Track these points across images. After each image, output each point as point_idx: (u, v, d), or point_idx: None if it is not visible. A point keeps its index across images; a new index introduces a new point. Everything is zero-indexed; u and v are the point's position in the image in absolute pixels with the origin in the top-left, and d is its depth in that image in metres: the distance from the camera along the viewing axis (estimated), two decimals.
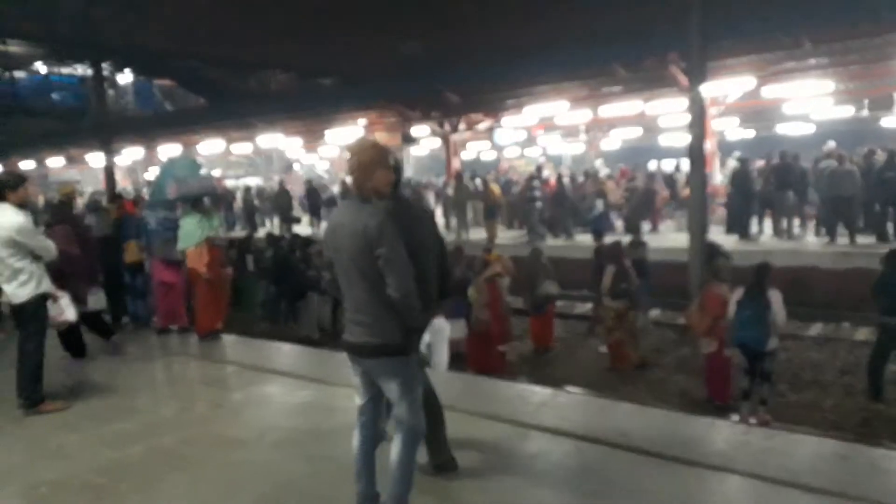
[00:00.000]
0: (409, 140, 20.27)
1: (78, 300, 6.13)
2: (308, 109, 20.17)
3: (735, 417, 6.35)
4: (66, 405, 5.33)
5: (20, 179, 5.21)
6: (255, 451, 4.43)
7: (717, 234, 12.88)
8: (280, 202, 21.16)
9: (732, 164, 14.60)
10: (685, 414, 5.41)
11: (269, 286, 11.98)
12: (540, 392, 5.54)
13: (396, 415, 3.29)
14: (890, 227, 12.14)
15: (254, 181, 28.54)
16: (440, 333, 6.13)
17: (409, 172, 24.59)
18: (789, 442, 4.46)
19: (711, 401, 7.20)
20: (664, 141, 25.22)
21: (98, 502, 3.81)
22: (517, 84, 15.87)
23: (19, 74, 23.92)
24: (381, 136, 25.23)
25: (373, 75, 17.73)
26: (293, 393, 5.58)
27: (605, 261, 9.08)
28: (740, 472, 3.89)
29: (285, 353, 7.24)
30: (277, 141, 24.71)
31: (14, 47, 21.74)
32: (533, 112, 17.58)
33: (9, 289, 5.09)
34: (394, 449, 3.28)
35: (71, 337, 6.68)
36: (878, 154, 12.71)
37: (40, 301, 5.20)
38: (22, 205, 5.17)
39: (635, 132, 25.10)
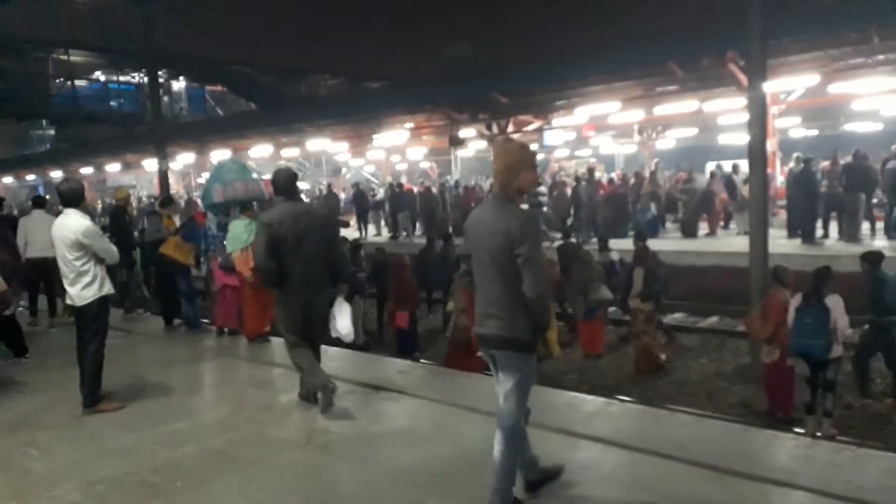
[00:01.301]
0: (456, 143, 20.22)
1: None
2: (356, 114, 20.36)
3: (799, 430, 6.08)
4: (123, 405, 5.46)
5: (81, 186, 5.41)
6: (304, 454, 4.45)
7: (779, 238, 12.43)
8: (328, 205, 21.39)
9: (791, 164, 14.07)
10: (745, 426, 5.21)
11: None
12: (591, 401, 5.41)
13: (503, 409, 3.42)
14: None
15: (303, 185, 28.96)
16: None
17: (455, 175, 24.57)
18: (857, 457, 4.22)
19: (773, 412, 6.93)
20: (723, 140, 24.53)
21: (153, 500, 3.87)
22: (568, 85, 15.64)
23: (80, 83, 24.93)
24: (428, 139, 25.39)
25: (420, 78, 17.80)
26: (340, 396, 5.56)
27: (635, 263, 9.00)
28: (805, 487, 3.71)
29: (332, 356, 7.24)
30: (325, 145, 24.95)
31: (75, 57, 22.75)
32: (584, 112, 17.30)
33: (73, 291, 5.24)
34: (496, 447, 3.44)
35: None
36: None
37: (103, 303, 5.34)
38: (84, 210, 5.35)
39: (691, 132, 24.49)
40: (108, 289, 5.37)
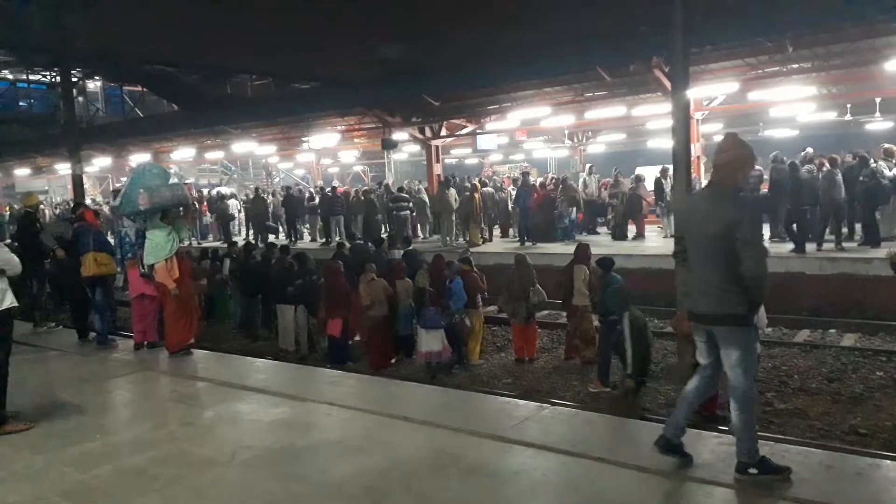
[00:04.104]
0: (389, 146, 20.12)
1: None
2: (284, 115, 19.96)
3: (723, 428, 6.23)
4: (30, 425, 5.14)
5: None
6: (228, 471, 4.27)
7: None
8: (256, 210, 20.87)
9: None
10: None
11: (244, 298, 11.77)
12: (524, 405, 5.41)
13: (731, 380, 3.75)
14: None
15: (227, 189, 28.16)
16: None
17: (389, 178, 24.45)
18: (775, 452, 4.35)
19: (700, 411, 7.08)
20: (652, 144, 25.28)
21: None
22: (499, 89, 15.79)
23: None
24: (360, 142, 25.18)
25: (352, 80, 17.61)
26: (267, 410, 5.41)
27: (575, 261, 9.15)
28: (727, 484, 3.79)
29: (259, 368, 7.06)
30: (252, 148, 24.37)
31: None
32: (516, 116, 17.50)
33: None
34: (733, 413, 3.81)
35: None
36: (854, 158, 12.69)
37: (4, 317, 5.00)
38: None
39: (621, 136, 25.16)
40: (11, 301, 5.04)
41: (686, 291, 4.00)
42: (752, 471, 3.77)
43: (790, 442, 5.59)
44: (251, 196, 22.33)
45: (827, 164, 11.86)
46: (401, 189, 19.40)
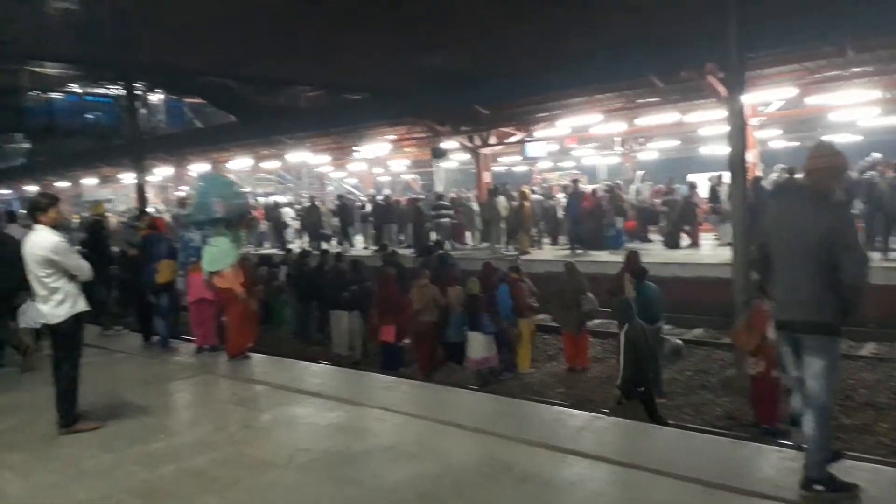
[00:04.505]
0: (438, 154, 20.21)
1: None
2: (337, 125, 20.28)
3: (785, 442, 6.06)
4: (100, 424, 5.32)
5: (52, 200, 5.28)
6: (285, 474, 4.36)
7: None
8: (310, 219, 21.26)
9: (775, 174, 14.18)
10: (731, 439, 5.19)
11: (299, 303, 11.99)
12: (578, 415, 5.38)
13: (812, 390, 3.64)
14: None
15: (283, 198, 28.76)
16: None
17: (438, 187, 24.55)
18: (841, 469, 4.21)
19: (759, 424, 6.92)
20: (705, 151, 24.76)
21: None
22: (549, 97, 15.72)
23: (56, 95, 24.63)
24: (410, 151, 25.40)
25: (402, 90, 17.79)
26: (323, 414, 5.50)
27: (626, 269, 8.92)
28: (789, 500, 3.69)
29: (315, 372, 7.19)
30: (306, 157, 24.83)
31: (50, 69, 22.51)
32: (566, 124, 17.39)
33: (45, 309, 5.12)
34: (806, 425, 3.67)
35: None
36: None
37: (76, 321, 5.21)
38: (55, 225, 5.23)
39: (674, 143, 24.69)
40: (82, 306, 5.24)
41: (776, 301, 3.86)
42: (819, 487, 3.65)
43: (858, 458, 5.38)
44: (306, 205, 22.77)
45: (891, 171, 11.44)
46: (441, 197, 19.54)
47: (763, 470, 4.27)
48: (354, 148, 23.16)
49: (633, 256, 9.33)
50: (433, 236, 18.15)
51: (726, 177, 11.68)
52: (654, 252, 14.49)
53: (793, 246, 3.66)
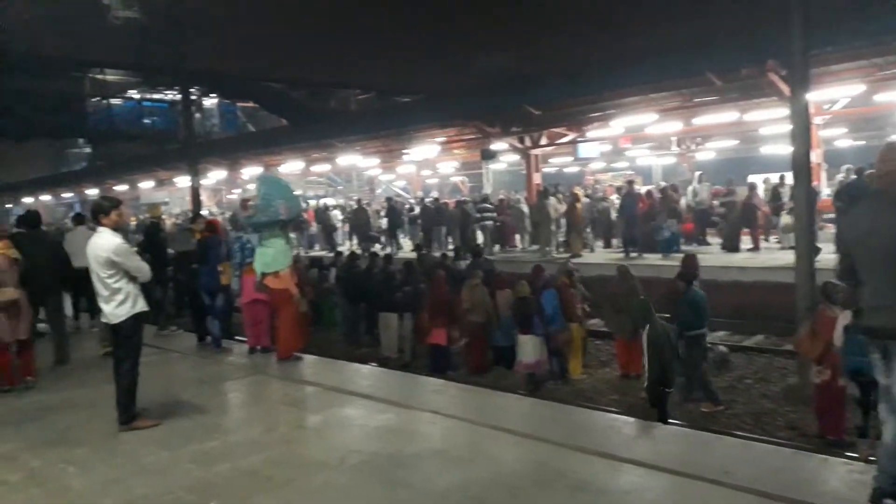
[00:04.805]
0: (488, 156, 20.12)
1: None
2: (387, 128, 20.42)
3: (852, 454, 5.78)
4: (157, 422, 5.46)
5: (114, 204, 5.43)
6: (337, 475, 4.38)
7: (827, 253, 12.03)
8: (358, 221, 21.45)
9: (841, 175, 13.61)
10: (795, 450, 4.99)
11: (348, 305, 12.09)
12: (633, 423, 5.24)
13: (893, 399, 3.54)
14: None
15: (332, 200, 29.17)
16: None
17: (487, 188, 24.49)
18: None
19: (824, 435, 6.63)
20: (766, 151, 24.05)
21: None
22: (602, 97, 15.47)
23: (115, 101, 25.56)
24: (459, 153, 25.41)
25: (452, 92, 17.80)
26: (373, 416, 5.51)
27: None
28: None
29: (365, 374, 7.23)
30: (356, 160, 25.10)
31: (111, 76, 23.37)
32: (619, 124, 17.10)
33: (107, 308, 5.27)
34: (886, 434, 3.57)
35: None
36: None
37: (136, 320, 5.35)
38: (117, 227, 5.38)
39: (732, 142, 24.05)
40: (142, 306, 5.38)
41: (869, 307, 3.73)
42: (890, 502, 3.47)
43: None
44: (353, 207, 23.03)
45: None
46: (484, 199, 19.53)
47: (829, 482, 4.10)
48: (404, 151, 23.30)
49: (689, 260, 9.10)
50: (480, 238, 18.12)
51: (789, 178, 11.28)
52: (712, 255, 14.10)
53: (873, 251, 3.58)
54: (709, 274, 10.57)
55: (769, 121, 16.60)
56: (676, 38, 12.88)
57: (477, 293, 9.61)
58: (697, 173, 17.17)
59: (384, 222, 21.67)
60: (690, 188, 16.66)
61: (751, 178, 17.63)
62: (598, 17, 13.04)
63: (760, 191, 15.75)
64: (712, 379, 8.34)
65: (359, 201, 23.73)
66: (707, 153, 25.57)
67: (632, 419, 5.43)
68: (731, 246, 14.98)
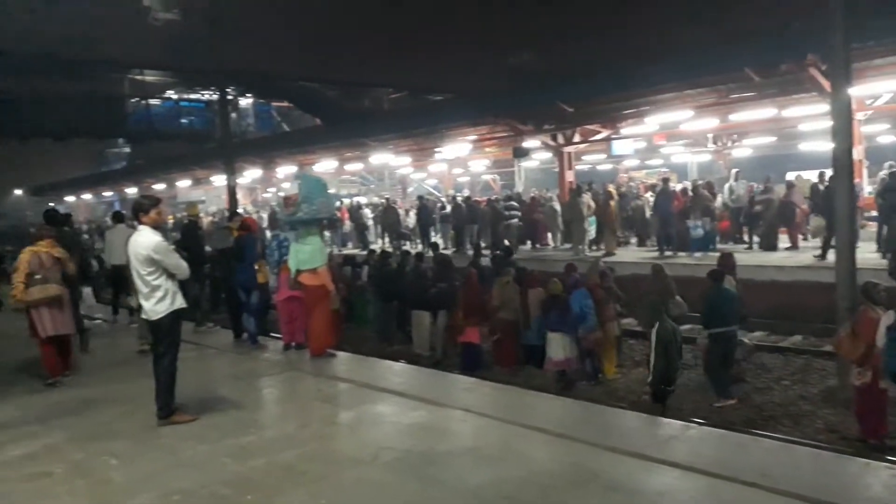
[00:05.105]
0: (520, 154, 20.03)
1: None
2: (419, 127, 20.46)
3: (894, 458, 5.63)
4: (195, 417, 5.56)
5: (153, 202, 5.55)
6: (370, 471, 4.42)
7: (868, 252, 11.74)
8: (388, 220, 21.55)
9: (883, 172, 13.22)
10: (835, 454, 4.88)
11: (380, 303, 12.16)
12: (668, 424, 5.18)
13: None
14: None
15: (364, 199, 29.37)
16: None
17: (519, 186, 24.38)
18: None
19: (865, 439, 6.47)
20: (805, 147, 23.53)
21: None
22: (637, 93, 15.29)
23: (153, 102, 26.10)
24: (491, 151, 25.35)
25: (484, 90, 17.75)
26: (405, 413, 5.55)
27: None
28: None
29: (397, 371, 7.27)
30: (388, 159, 25.21)
31: (149, 77, 23.86)
32: (655, 120, 16.88)
33: (147, 305, 5.39)
34: None
35: None
36: None
37: (175, 317, 5.47)
38: (156, 225, 5.50)
39: (770, 139, 23.57)
40: (181, 303, 5.49)
41: None
42: None
43: None
44: (382, 206, 23.17)
45: None
46: (509, 198, 19.48)
47: (872, 487, 4.01)
48: (436, 149, 23.33)
49: (724, 259, 8.98)
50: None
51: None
52: (749, 254, 13.85)
53: None
54: (745, 273, 10.38)
55: (809, 117, 16.24)
56: (713, 33, 12.69)
57: (507, 291, 9.62)
58: (734, 170, 16.82)
59: (412, 221, 21.82)
60: (727, 186, 16.37)
61: (789, 176, 17.25)
62: (632, 12, 12.88)
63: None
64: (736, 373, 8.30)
65: (387, 200, 23.86)
66: (744, 150, 25.09)
67: (667, 420, 5.38)
68: (769, 244, 14.69)
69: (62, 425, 5.62)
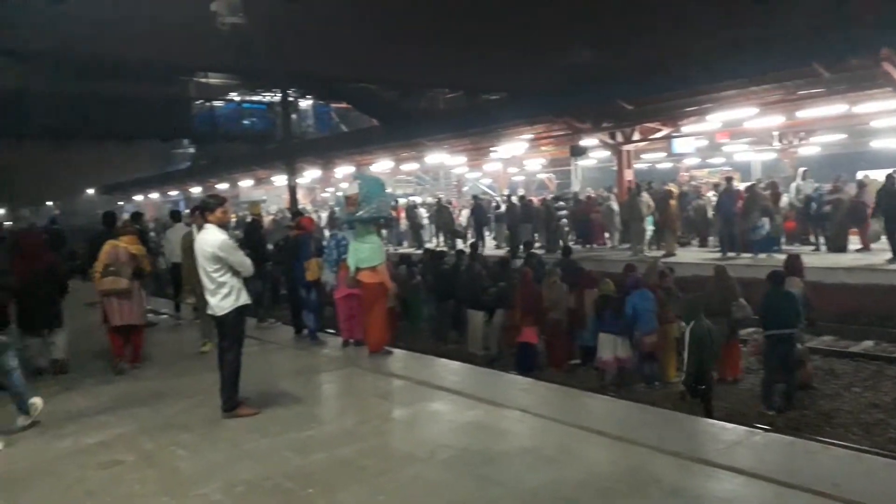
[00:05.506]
0: (578, 153, 19.78)
1: None
2: (476, 126, 20.45)
3: None
4: (258, 411, 5.70)
5: (219, 201, 5.73)
6: (428, 468, 4.44)
7: None
8: (442, 219, 21.60)
9: None
10: None
11: (435, 302, 12.21)
12: (732, 429, 5.03)
13: None
14: None
15: (419, 198, 29.56)
16: None
17: (576, 186, 24.10)
18: None
19: None
20: (877, 145, 22.50)
21: None
22: (699, 90, 14.90)
23: (217, 103, 26.89)
24: (547, 150, 25.14)
25: (540, 88, 17.61)
26: (462, 412, 5.56)
27: (786, 274, 8.31)
28: None
29: (453, 370, 7.27)
30: (443, 159, 25.29)
31: (214, 79, 24.59)
32: (717, 118, 16.43)
33: (213, 301, 5.56)
34: None
35: None
36: None
37: (240, 313, 5.63)
38: (222, 224, 5.67)
39: (839, 137, 22.62)
40: (245, 299, 5.64)
41: None
42: None
43: None
44: (436, 206, 23.28)
45: None
46: (557, 198, 19.29)
47: None
48: (492, 148, 23.28)
49: (790, 260, 8.68)
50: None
51: None
52: (816, 256, 13.35)
53: None
54: (813, 275, 10.02)
55: (882, 113, 15.56)
56: (779, 28, 12.24)
57: (556, 290, 9.59)
58: (802, 169, 16.21)
59: (464, 219, 21.85)
60: (793, 185, 15.80)
61: (860, 175, 16.52)
62: (694, 7, 12.55)
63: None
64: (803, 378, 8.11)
65: (440, 200, 23.95)
66: (811, 148, 24.14)
67: (730, 425, 5.22)
68: (838, 246, 14.12)
69: (133, 415, 5.84)
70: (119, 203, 47.21)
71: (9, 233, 8.83)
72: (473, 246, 12.63)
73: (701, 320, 7.20)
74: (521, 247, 14.93)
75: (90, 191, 50.13)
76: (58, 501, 4.26)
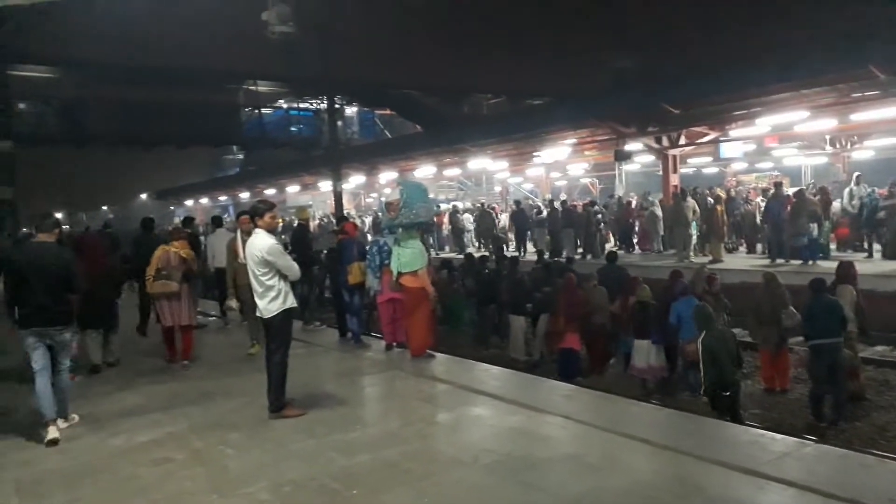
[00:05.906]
0: (622, 157, 19.57)
1: None
2: (519, 131, 20.42)
3: None
4: (304, 412, 5.81)
5: (269, 207, 5.88)
6: (471, 473, 4.46)
7: None
8: (484, 224, 21.62)
9: None
10: None
11: (477, 306, 12.22)
12: (781, 440, 4.92)
13: None
14: None
15: (462, 204, 29.64)
16: None
17: (620, 190, 23.83)
18: None
19: None
20: None
21: None
22: (748, 93, 14.60)
23: (266, 111, 27.51)
24: (591, 155, 24.90)
25: (584, 93, 17.51)
26: (504, 417, 5.56)
27: (838, 281, 8.17)
28: None
29: (495, 375, 7.28)
30: (486, 164, 25.29)
31: (262, 87, 25.17)
32: (766, 122, 16.06)
33: (261, 304, 5.70)
34: None
35: None
36: None
37: (287, 315, 5.75)
38: (271, 229, 5.81)
39: (895, 140, 21.82)
40: (292, 302, 5.77)
41: None
42: None
43: None
44: (477, 212, 23.30)
45: None
46: (593, 203, 19.12)
47: None
48: (534, 153, 23.19)
49: (840, 268, 8.41)
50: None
51: None
52: (870, 263, 12.92)
53: None
54: (866, 283, 9.69)
55: None
56: (831, 29, 11.95)
57: (596, 295, 9.53)
58: (855, 174, 15.71)
59: (504, 224, 21.81)
60: (846, 190, 15.33)
61: None
62: (743, 9, 12.32)
63: None
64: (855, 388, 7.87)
65: (481, 206, 23.94)
66: (865, 152, 23.35)
67: (780, 436, 5.10)
68: (894, 253, 13.65)
69: (183, 414, 6.01)
70: (171, 208, 48.57)
71: (67, 236, 9.18)
72: (514, 260, 12.65)
73: (711, 329, 7.07)
74: (564, 259, 14.84)
75: (143, 196, 51.72)
76: (112, 497, 4.40)
